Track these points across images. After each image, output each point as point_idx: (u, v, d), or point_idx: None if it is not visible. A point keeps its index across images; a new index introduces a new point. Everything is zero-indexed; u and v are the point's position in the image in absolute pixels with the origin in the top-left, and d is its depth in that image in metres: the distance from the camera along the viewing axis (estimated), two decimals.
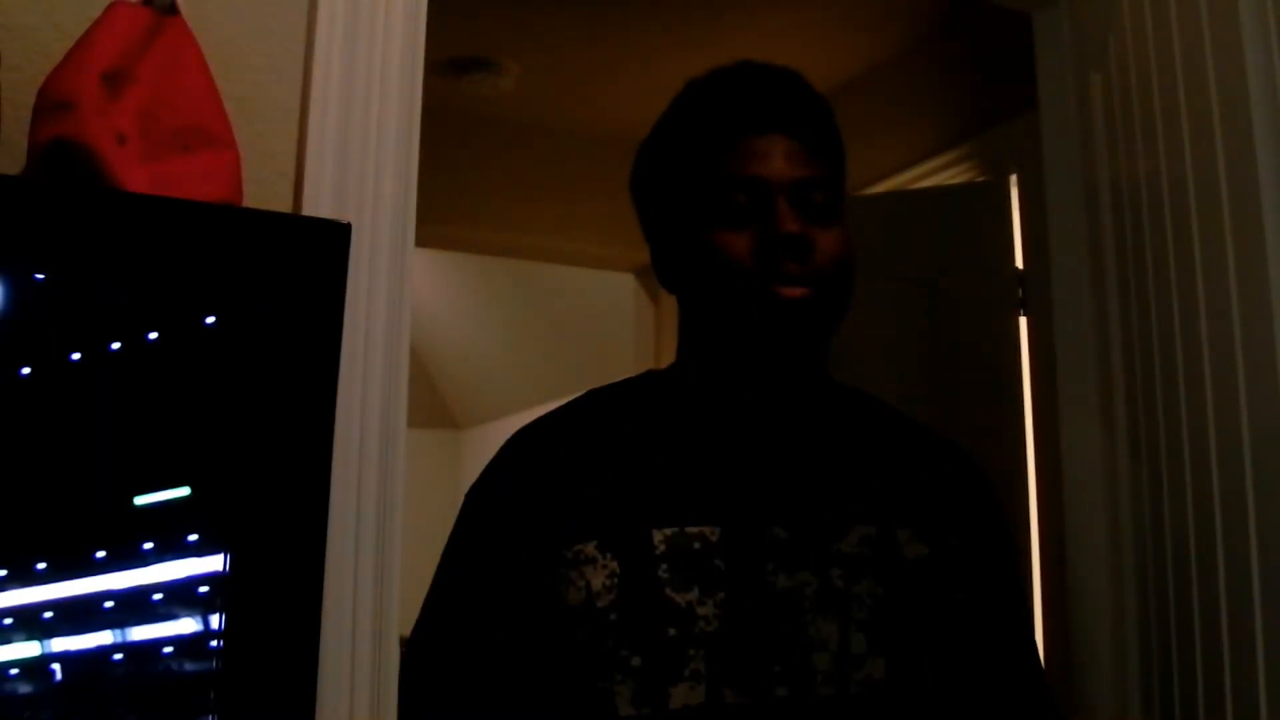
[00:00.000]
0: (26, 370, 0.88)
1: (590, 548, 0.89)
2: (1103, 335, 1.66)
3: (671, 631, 0.86)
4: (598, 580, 0.88)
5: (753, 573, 0.88)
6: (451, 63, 2.92)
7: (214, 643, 0.91)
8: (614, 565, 0.88)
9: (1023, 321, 2.33)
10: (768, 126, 0.95)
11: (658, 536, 0.88)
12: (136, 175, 1.03)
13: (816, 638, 0.87)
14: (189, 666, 0.91)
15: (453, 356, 6.49)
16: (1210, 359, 1.29)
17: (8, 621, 0.84)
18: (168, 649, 0.90)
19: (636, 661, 0.86)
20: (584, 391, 1.03)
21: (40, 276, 0.90)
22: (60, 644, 0.86)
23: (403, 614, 1.21)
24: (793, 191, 0.94)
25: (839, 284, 0.95)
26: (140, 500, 0.91)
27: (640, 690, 0.85)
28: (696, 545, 0.89)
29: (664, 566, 0.88)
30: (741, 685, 0.85)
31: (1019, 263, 2.35)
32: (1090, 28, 1.73)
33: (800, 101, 0.99)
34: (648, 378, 1.06)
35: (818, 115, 0.99)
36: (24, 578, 0.85)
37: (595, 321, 4.78)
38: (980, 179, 2.57)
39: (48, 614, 0.85)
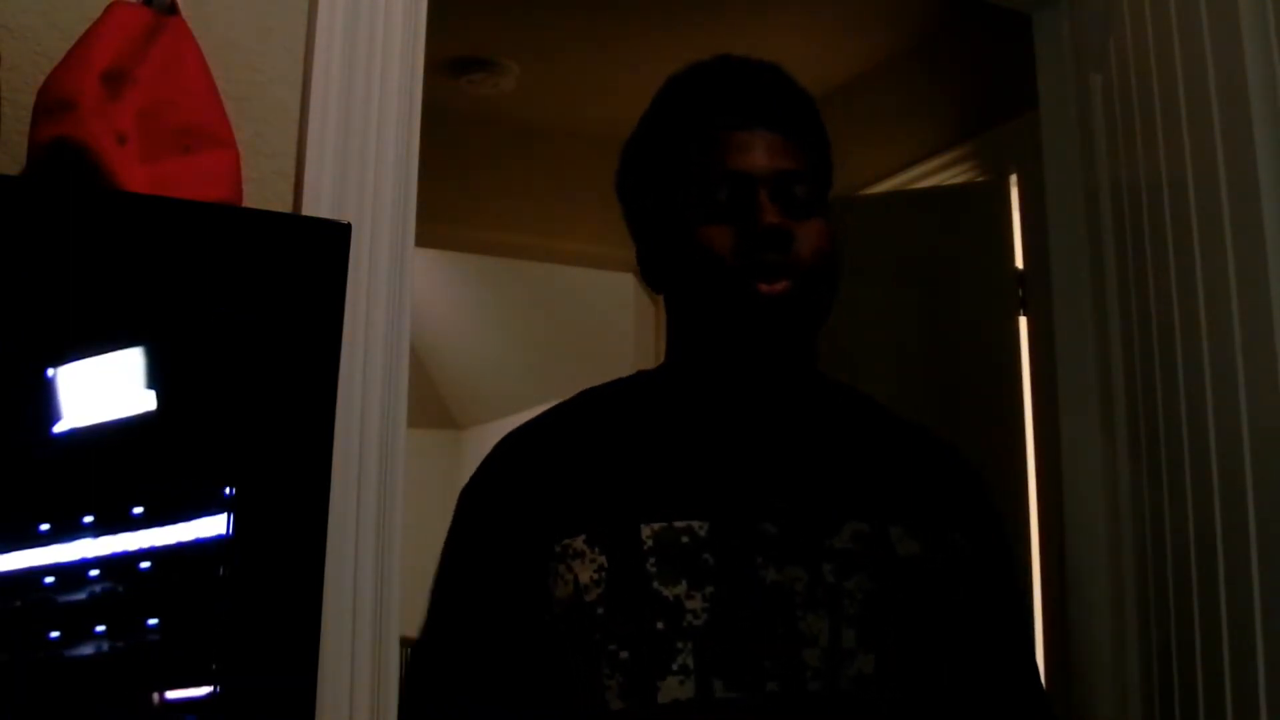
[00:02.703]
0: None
1: (579, 542, 0.89)
2: (1103, 335, 1.66)
3: (659, 625, 0.86)
4: (585, 574, 0.88)
5: (742, 567, 0.88)
6: (451, 63, 2.92)
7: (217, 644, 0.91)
8: (602, 559, 0.88)
9: (1023, 321, 2.32)
10: (748, 120, 0.95)
11: (646, 531, 0.89)
12: (136, 175, 1.03)
13: (807, 633, 0.87)
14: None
15: (453, 356, 6.48)
16: (1210, 359, 1.29)
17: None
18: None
19: (625, 655, 0.86)
20: (578, 392, 1.04)
21: (42, 275, 0.90)
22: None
23: (402, 614, 1.21)
24: (774, 185, 0.93)
25: (821, 277, 0.95)
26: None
27: (628, 684, 0.85)
28: (685, 539, 0.88)
29: (651, 560, 0.88)
30: (731, 679, 0.85)
31: (1019, 263, 2.35)
32: (1090, 28, 1.73)
33: (781, 95, 0.99)
34: (638, 378, 1.06)
35: (799, 109, 0.99)
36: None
37: (595, 321, 4.77)
38: (980, 179, 2.56)
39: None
